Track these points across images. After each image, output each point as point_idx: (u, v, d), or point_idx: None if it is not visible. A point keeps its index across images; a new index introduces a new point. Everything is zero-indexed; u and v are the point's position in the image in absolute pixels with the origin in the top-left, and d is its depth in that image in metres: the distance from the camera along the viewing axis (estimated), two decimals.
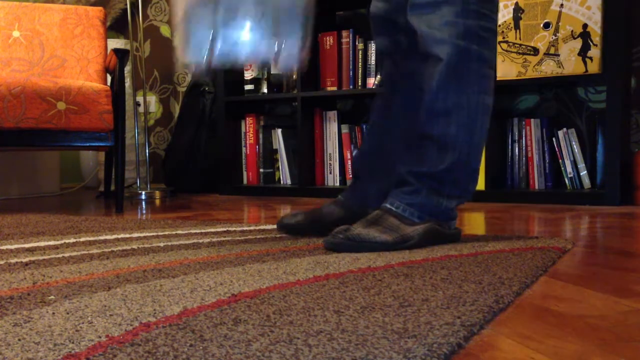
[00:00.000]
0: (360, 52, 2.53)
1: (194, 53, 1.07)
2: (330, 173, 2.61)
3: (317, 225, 1.29)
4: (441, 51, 1.14)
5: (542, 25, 2.11)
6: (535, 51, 2.12)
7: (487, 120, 1.22)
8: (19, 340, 0.59)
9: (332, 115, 2.61)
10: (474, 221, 1.65)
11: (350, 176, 1.31)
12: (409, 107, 1.29)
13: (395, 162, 1.29)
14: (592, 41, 2.04)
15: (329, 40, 2.60)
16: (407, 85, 1.30)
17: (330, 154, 2.61)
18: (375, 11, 1.33)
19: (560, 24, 2.08)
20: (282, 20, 1.07)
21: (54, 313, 0.69)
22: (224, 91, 2.71)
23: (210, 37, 1.06)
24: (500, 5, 2.16)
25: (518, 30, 2.14)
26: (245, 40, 1.08)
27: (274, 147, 2.75)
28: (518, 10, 2.14)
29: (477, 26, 1.15)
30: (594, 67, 2.04)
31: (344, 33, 2.57)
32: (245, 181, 2.78)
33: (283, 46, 1.08)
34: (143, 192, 2.62)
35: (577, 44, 2.06)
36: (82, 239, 1.29)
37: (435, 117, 1.16)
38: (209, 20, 1.06)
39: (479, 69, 1.18)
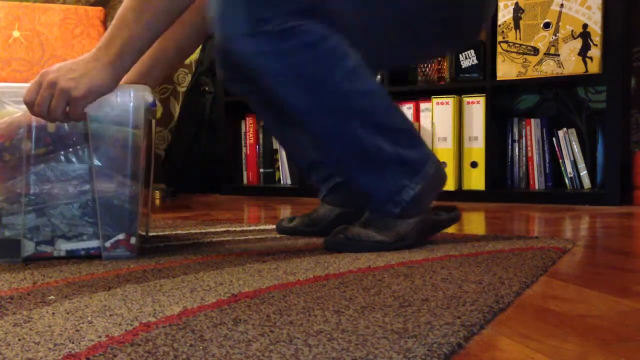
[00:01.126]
0: None
1: (5, 249, 1.01)
2: None
3: (316, 227, 1.29)
4: (247, 58, 0.94)
5: (542, 25, 2.11)
6: (535, 51, 2.12)
7: (364, 75, 1.03)
8: (19, 340, 0.59)
9: None
10: (474, 221, 1.65)
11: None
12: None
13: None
14: (592, 41, 2.04)
15: None
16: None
17: None
18: None
19: (560, 24, 2.08)
20: (109, 214, 1.02)
21: (54, 313, 0.69)
22: (224, 91, 2.71)
23: (26, 227, 1.01)
24: (500, 5, 2.16)
25: (518, 30, 2.14)
26: (67, 229, 1.02)
27: (274, 147, 2.75)
28: (518, 10, 2.14)
29: None
30: (594, 67, 2.04)
31: None
32: (245, 181, 2.78)
33: (110, 240, 1.02)
34: None
35: (577, 44, 2.06)
36: None
37: (312, 119, 1.05)
38: (21, 214, 1.00)
39: (314, 55, 0.96)
